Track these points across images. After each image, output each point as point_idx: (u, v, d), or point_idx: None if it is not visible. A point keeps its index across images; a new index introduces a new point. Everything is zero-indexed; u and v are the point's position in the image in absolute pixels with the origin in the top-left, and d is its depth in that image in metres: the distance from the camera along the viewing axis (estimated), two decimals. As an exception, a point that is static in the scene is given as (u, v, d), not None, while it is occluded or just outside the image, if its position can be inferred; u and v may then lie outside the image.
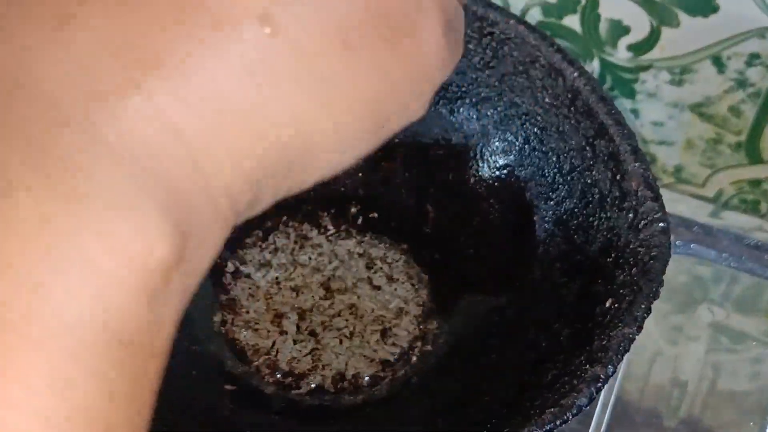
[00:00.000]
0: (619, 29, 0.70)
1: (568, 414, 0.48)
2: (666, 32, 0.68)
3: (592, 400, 0.49)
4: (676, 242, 0.71)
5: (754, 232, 0.73)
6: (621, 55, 0.72)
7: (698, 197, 0.79)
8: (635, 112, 0.76)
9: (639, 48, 0.71)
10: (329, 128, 0.27)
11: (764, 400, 0.64)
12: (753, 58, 0.68)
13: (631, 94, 0.75)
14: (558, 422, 0.47)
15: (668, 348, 0.67)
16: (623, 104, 0.76)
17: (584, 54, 0.73)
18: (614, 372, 0.50)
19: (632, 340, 0.51)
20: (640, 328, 0.51)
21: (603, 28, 0.70)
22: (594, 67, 0.74)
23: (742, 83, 0.70)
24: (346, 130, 0.27)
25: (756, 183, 0.77)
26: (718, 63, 0.69)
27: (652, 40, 0.70)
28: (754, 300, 0.70)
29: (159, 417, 0.55)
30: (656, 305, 0.66)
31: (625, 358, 0.63)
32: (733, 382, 0.65)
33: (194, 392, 0.58)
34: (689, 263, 0.71)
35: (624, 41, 0.71)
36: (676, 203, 0.74)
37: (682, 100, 0.73)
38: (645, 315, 0.51)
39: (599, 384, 0.49)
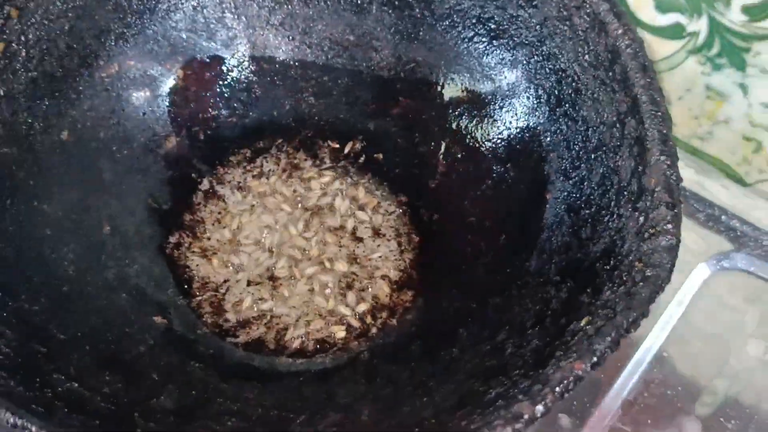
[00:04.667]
0: (737, -16, 0.58)
1: (466, 454, 0.38)
2: (793, -3, 0.57)
3: (507, 444, 0.39)
4: (739, 253, 0.59)
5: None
6: (734, 16, 0.60)
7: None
8: (743, 87, 0.64)
9: (756, 12, 0.59)
10: None
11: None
12: None
13: (741, 66, 0.63)
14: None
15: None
16: (730, 76, 0.63)
17: (692, 8, 0.61)
18: (545, 413, 0.39)
19: (580, 378, 0.40)
20: (596, 366, 0.40)
21: (718, -21, 0.60)
22: (701, 25, 0.62)
23: None
24: None
25: None
26: None
27: (773, 3, 0.58)
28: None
29: (65, 327, 0.49)
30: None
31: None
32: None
33: (114, 317, 0.52)
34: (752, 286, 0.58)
35: (739, 0, 0.59)
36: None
37: (802, 83, 0.61)
38: (608, 350, 0.41)
39: (518, 426, 0.39)
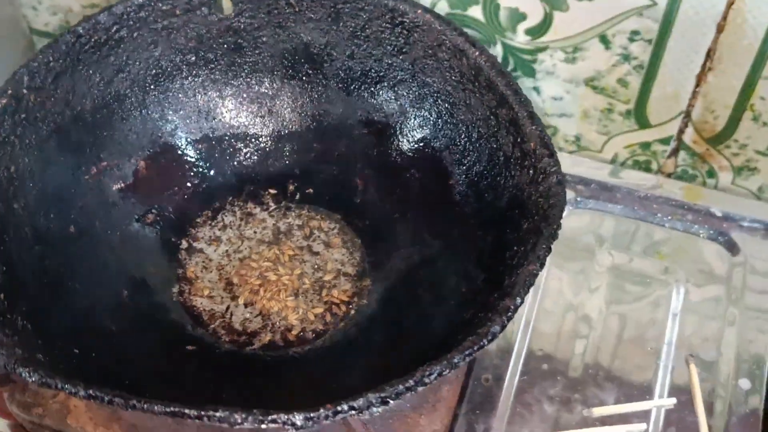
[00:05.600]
0: (517, 16, 0.78)
1: (484, 340, 0.56)
2: (558, 16, 0.77)
3: (504, 327, 0.57)
4: (577, 198, 0.81)
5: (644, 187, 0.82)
6: (520, 39, 0.80)
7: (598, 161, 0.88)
8: (537, 89, 0.83)
9: (535, 32, 0.79)
10: None
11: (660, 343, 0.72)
12: (634, 35, 0.76)
13: (532, 74, 0.82)
14: (476, 348, 0.55)
15: (573, 299, 0.75)
16: (525, 83, 0.83)
17: (488, 40, 0.81)
18: (522, 303, 0.58)
19: (536, 275, 0.59)
20: (542, 265, 0.59)
21: (503, 15, 0.78)
22: (497, 51, 0.82)
23: (626, 57, 0.78)
24: None
25: (646, 145, 0.86)
26: (605, 41, 0.77)
27: (546, 24, 0.78)
28: (647, 243, 0.79)
29: (131, 381, 0.63)
30: (562, 255, 0.76)
31: (535, 309, 0.72)
32: (633, 329, 0.73)
33: (161, 355, 0.66)
34: (590, 216, 0.80)
35: (522, 26, 0.79)
36: (578, 165, 0.84)
37: (576, 76, 0.81)
38: (546, 253, 0.60)
39: (509, 313, 0.57)
